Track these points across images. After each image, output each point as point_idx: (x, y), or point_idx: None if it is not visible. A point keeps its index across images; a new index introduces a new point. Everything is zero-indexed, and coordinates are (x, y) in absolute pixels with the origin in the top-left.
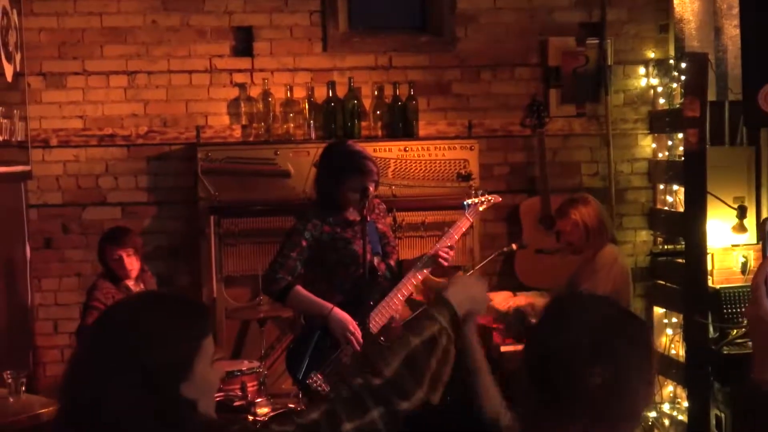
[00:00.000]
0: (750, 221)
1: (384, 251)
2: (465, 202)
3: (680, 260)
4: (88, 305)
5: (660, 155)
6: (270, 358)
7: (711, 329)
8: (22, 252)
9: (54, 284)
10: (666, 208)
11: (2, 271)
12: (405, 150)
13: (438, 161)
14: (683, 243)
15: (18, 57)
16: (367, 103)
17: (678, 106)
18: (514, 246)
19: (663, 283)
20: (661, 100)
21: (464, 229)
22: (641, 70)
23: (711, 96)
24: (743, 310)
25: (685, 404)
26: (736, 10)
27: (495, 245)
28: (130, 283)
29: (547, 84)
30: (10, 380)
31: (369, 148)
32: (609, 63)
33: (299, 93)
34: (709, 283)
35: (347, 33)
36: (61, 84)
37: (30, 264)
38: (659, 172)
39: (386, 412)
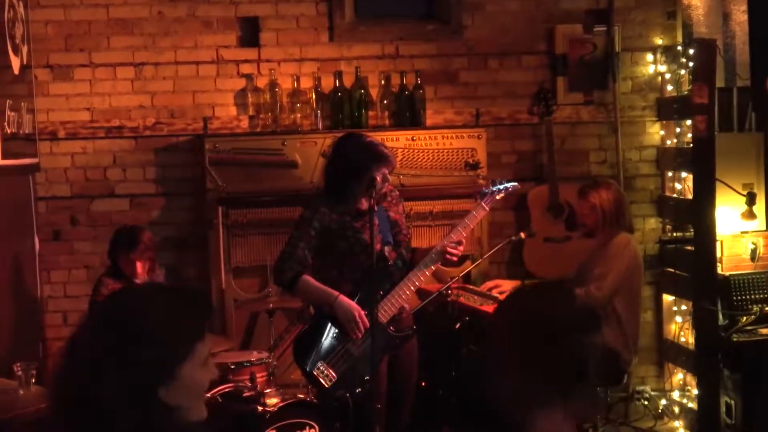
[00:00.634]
0: (759, 208)
1: (395, 240)
2: (483, 190)
3: (689, 247)
4: (94, 303)
5: (668, 142)
6: (279, 349)
7: (720, 316)
8: (31, 244)
9: (63, 276)
10: (675, 195)
11: (11, 263)
12: (412, 139)
13: (445, 150)
14: (692, 230)
15: (25, 49)
16: (374, 92)
17: (686, 92)
18: (522, 235)
19: (672, 270)
20: (669, 87)
21: (479, 219)
22: (649, 56)
23: (719, 82)
24: (753, 296)
25: (695, 392)
26: None
27: (503, 234)
28: (137, 281)
29: (554, 72)
30: (20, 372)
31: (376, 138)
32: (616, 50)
33: (306, 83)
34: (719, 270)
35: (354, 22)
36: (68, 76)
37: (39, 256)
38: (668, 159)
39: None
